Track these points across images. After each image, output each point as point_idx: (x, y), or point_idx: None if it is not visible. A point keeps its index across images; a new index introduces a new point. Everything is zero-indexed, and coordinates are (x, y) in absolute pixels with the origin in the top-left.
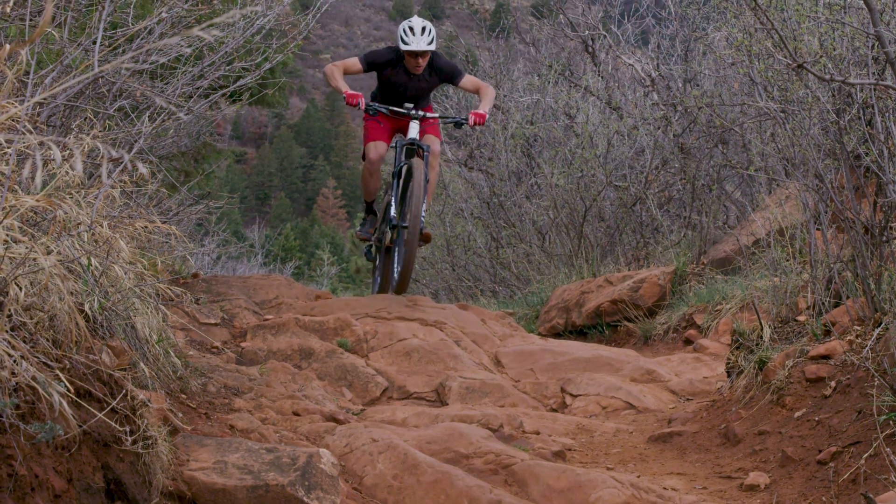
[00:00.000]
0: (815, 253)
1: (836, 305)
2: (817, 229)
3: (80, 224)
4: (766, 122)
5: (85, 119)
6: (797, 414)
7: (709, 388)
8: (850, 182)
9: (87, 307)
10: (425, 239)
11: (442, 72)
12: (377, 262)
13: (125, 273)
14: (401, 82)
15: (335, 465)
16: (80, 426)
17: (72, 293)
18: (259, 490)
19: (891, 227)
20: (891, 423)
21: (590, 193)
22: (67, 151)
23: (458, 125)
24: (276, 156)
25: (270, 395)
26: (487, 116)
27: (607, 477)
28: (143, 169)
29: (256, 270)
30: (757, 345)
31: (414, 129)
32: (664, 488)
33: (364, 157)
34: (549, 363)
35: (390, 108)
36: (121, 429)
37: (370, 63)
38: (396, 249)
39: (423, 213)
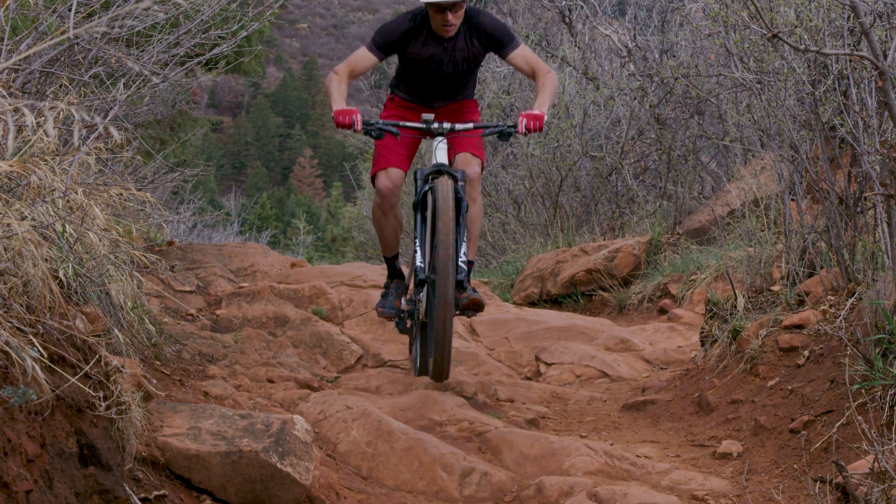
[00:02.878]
0: (789, 223)
1: (811, 275)
2: (792, 200)
3: (54, 190)
4: (741, 92)
5: (60, 86)
6: (770, 383)
7: (683, 357)
8: (825, 153)
9: (61, 273)
10: (473, 306)
11: (487, 35)
12: (413, 340)
13: (100, 240)
14: (431, 56)
15: (309, 431)
16: (54, 391)
17: (46, 259)
18: (233, 456)
19: (865, 198)
20: (863, 392)
21: (566, 163)
22: (43, 118)
23: (503, 136)
24: (253, 125)
25: (245, 362)
26: (546, 117)
27: (581, 444)
28: (115, 133)
29: (232, 239)
30: (731, 314)
31: (441, 151)
32: (637, 456)
33: (374, 184)
34: (524, 332)
35: (400, 123)
36: (94, 394)
37: (386, 45)
38: (428, 317)
39: (463, 257)
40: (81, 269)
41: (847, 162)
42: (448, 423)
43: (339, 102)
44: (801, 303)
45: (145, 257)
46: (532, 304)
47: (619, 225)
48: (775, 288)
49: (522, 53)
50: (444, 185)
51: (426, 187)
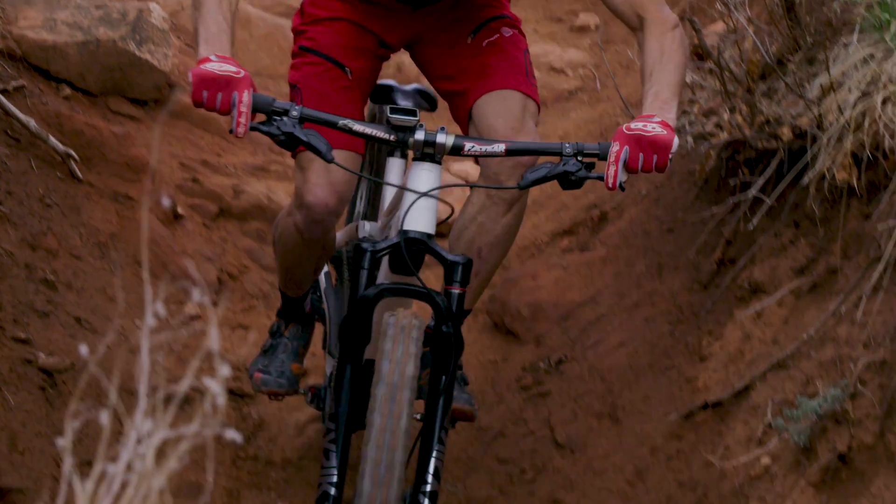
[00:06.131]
0: None
1: None
2: None
3: None
4: None
5: None
6: None
7: None
8: None
9: None
10: (458, 418)
11: None
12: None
13: None
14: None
15: (166, 19)
16: None
17: None
18: (90, 45)
19: None
20: None
21: None
22: None
23: (571, 182)
24: None
25: None
26: (675, 141)
27: None
28: None
29: None
30: None
31: (426, 208)
32: None
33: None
34: None
35: (340, 122)
36: None
37: None
38: None
39: (430, 483)
40: None
41: None
42: None
43: (213, 43)
44: None
45: None
46: None
47: None
48: None
49: None
50: (404, 334)
51: (389, 311)
